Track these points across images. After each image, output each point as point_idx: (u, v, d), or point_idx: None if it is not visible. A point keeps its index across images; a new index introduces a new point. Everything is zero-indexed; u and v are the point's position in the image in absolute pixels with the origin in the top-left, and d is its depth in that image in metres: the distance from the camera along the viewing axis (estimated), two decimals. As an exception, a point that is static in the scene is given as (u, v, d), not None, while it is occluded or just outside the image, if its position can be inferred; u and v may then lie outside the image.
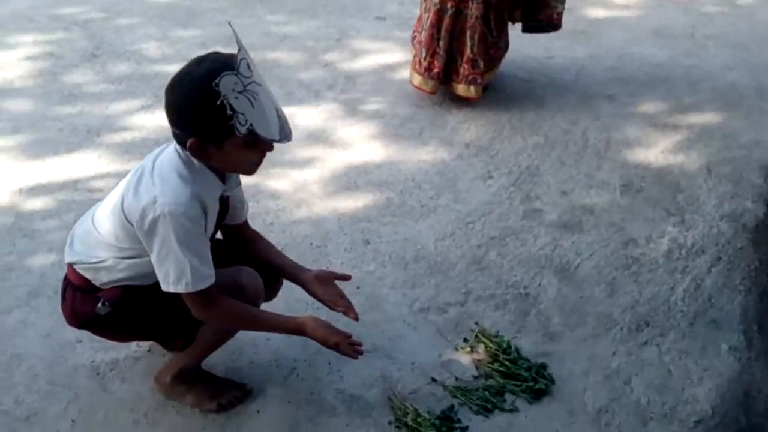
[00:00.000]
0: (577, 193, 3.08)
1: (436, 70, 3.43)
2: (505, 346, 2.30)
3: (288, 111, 3.39)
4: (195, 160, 1.74)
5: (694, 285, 2.59)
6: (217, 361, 2.18)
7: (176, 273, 1.72)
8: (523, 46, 4.13)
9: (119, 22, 4.21)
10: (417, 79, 3.51)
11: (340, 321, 1.98)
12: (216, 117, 1.63)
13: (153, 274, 1.76)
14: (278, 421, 2.04)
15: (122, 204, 1.75)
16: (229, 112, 1.62)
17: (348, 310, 1.98)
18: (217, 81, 1.61)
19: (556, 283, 2.60)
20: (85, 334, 2.06)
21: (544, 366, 2.26)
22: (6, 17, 4.19)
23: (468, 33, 3.37)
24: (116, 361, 2.17)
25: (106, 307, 1.83)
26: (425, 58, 3.44)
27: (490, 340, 2.32)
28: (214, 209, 1.80)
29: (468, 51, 3.40)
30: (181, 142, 1.71)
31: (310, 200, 2.90)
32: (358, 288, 2.50)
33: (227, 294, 1.82)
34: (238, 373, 2.17)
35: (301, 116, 3.44)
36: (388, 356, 2.26)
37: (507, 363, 2.25)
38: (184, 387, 2.05)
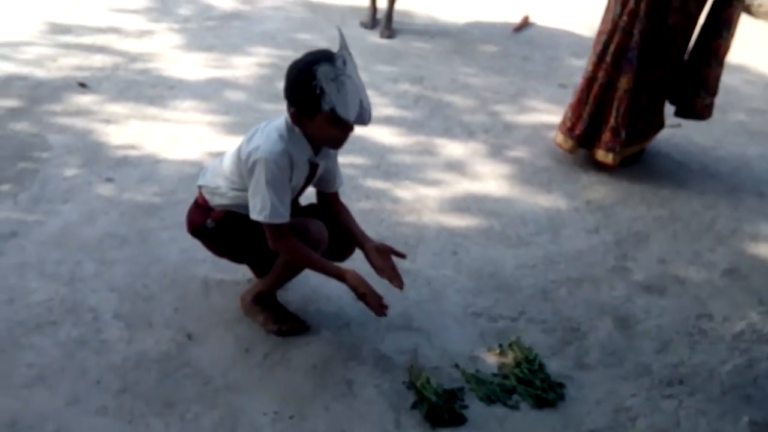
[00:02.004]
0: (676, 264, 3.18)
1: (577, 132, 3.72)
2: (531, 357, 2.55)
3: (438, 142, 3.97)
4: (296, 127, 2.30)
5: (746, 364, 2.63)
6: (293, 299, 2.71)
7: (260, 205, 2.27)
8: (692, 132, 4.26)
9: (338, 51, 5.03)
10: (559, 137, 3.82)
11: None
12: (309, 94, 2.18)
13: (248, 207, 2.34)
14: (318, 354, 2.50)
15: (240, 147, 2.36)
16: (318, 92, 2.16)
17: (392, 279, 2.40)
18: (316, 67, 2.16)
19: (611, 328, 2.77)
20: (209, 255, 2.68)
21: (560, 384, 2.48)
22: (257, 33, 5.19)
23: (615, 104, 3.62)
24: (222, 281, 2.78)
25: (212, 223, 2.44)
26: (570, 119, 3.75)
27: (521, 350, 2.58)
28: (300, 167, 2.33)
29: (612, 120, 3.65)
30: (288, 110, 2.29)
31: (422, 211, 3.35)
32: (429, 283, 2.90)
33: (296, 234, 2.34)
34: (306, 313, 2.66)
35: (448, 147, 3.91)
36: (427, 338, 2.62)
37: (526, 370, 2.50)
38: (258, 308, 2.59)
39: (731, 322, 2.85)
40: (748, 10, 6.72)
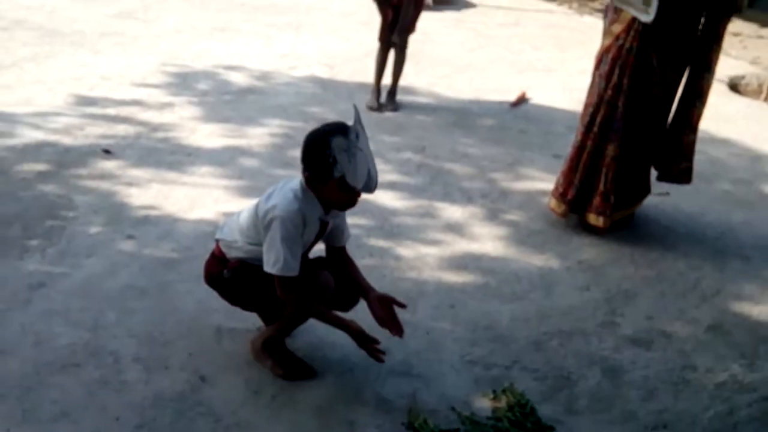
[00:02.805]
0: (663, 320, 3.36)
1: (569, 197, 3.97)
2: (523, 402, 2.71)
3: (439, 205, 4.22)
4: (309, 189, 2.54)
5: (727, 411, 2.78)
6: (300, 346, 2.90)
7: (274, 258, 2.49)
8: (680, 199, 4.50)
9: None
10: (552, 202, 4.07)
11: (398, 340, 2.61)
12: (323, 161, 2.43)
13: (262, 260, 2.56)
14: (322, 397, 2.67)
15: (258, 205, 2.60)
16: (331, 160, 2.41)
17: (391, 328, 2.61)
18: (331, 138, 2.42)
19: (600, 377, 2.94)
20: (222, 306, 2.88)
21: (551, 428, 2.63)
22: (271, 106, 5.53)
23: (603, 170, 3.88)
24: (234, 329, 2.97)
25: (228, 273, 2.65)
26: (562, 185, 4.00)
27: (514, 395, 2.74)
28: (312, 225, 2.57)
29: (601, 185, 3.90)
30: (302, 173, 2.54)
31: (422, 268, 3.56)
32: (428, 333, 3.09)
33: (305, 281, 2.55)
34: (312, 359, 2.84)
35: (448, 211, 4.16)
36: (426, 383, 2.79)
37: (519, 414, 2.65)
38: (266, 353, 2.78)
39: (714, 373, 3.02)
40: (736, 88, 7.09)
